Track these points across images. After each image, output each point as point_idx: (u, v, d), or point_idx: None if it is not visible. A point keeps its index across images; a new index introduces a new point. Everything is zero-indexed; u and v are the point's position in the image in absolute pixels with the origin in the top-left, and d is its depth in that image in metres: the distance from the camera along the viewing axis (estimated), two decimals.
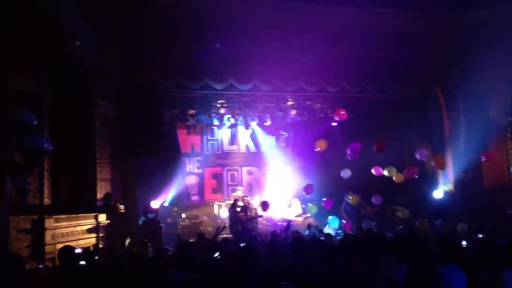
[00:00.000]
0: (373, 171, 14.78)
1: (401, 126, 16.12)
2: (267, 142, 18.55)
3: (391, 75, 14.86)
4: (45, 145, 6.63)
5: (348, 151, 14.65)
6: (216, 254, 8.63)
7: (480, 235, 8.63)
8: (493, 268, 4.96)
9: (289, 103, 16.41)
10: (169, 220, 15.00)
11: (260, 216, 14.56)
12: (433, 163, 14.53)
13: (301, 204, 16.09)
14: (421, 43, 14.52)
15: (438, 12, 14.42)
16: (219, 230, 10.63)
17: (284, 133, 18.73)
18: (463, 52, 14.23)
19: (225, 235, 13.23)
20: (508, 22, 13.21)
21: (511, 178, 14.65)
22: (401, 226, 12.97)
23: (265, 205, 13.89)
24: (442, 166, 14.49)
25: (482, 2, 13.51)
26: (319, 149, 15.13)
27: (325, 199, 15.06)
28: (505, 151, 14.77)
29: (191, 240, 10.06)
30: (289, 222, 12.56)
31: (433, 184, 15.57)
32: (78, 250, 7.91)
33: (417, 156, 14.63)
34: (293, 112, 16.82)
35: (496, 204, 13.49)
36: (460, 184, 14.90)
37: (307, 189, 14.97)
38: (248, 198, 15.29)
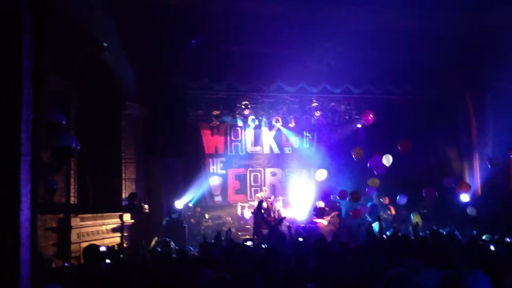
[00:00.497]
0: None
1: (428, 129, 15.92)
2: (290, 144, 18.52)
3: (418, 77, 14.70)
4: (73, 145, 6.73)
5: (373, 166, 14.65)
6: (249, 243, 8.72)
7: (508, 239, 8.49)
8: None
9: (314, 104, 16.36)
10: (192, 220, 15.09)
11: (284, 218, 14.56)
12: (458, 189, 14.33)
13: (325, 206, 15.98)
14: (448, 45, 14.31)
15: (466, 13, 14.19)
16: (227, 234, 10.70)
17: (308, 134, 18.64)
18: (491, 55, 14.00)
19: (247, 236, 13.28)
20: None
21: None
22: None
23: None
24: (467, 191, 14.29)
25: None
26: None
27: (353, 210, 14.97)
28: None
29: (213, 241, 10.11)
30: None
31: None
32: (102, 249, 8.00)
33: (444, 183, 14.46)
34: (317, 113, 16.77)
35: None
36: (487, 186, 14.68)
37: (341, 195, 14.95)
38: (272, 199, 15.30)
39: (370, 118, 15.46)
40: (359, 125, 17.23)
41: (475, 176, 15.09)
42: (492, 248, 7.20)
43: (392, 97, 15.44)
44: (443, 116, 15.99)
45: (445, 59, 14.61)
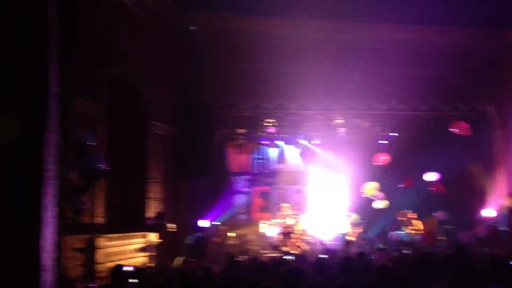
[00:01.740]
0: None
1: (452, 144, 15.76)
2: (315, 161, 18.47)
3: (443, 93, 14.58)
4: (102, 166, 6.84)
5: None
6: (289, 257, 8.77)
7: None
8: None
9: (338, 121, 16.31)
10: (217, 239, 15.07)
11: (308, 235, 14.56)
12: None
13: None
14: (473, 61, 14.23)
15: (491, 29, 14.12)
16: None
17: (332, 151, 18.60)
18: None
19: (273, 254, 13.21)
20: None
21: None
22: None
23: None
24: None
25: None
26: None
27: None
28: None
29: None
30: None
31: (484, 203, 15.18)
32: (129, 269, 8.06)
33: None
34: (342, 130, 16.71)
35: None
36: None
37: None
38: (296, 217, 15.26)
39: (386, 159, 15.64)
40: (384, 142, 17.14)
41: (499, 191, 14.86)
42: None
43: (417, 113, 15.32)
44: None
45: (472, 75, 14.52)
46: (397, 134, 16.59)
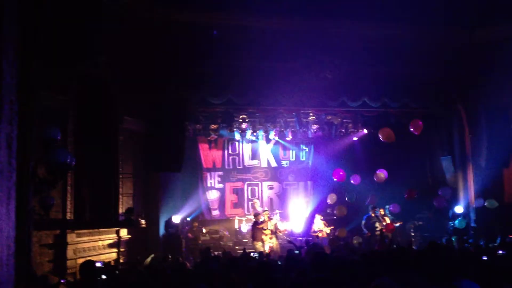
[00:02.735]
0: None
1: (423, 141, 15.99)
2: (287, 157, 18.56)
3: (413, 90, 14.76)
4: (68, 160, 6.72)
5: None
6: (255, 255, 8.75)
7: (501, 252, 8.53)
8: None
9: (310, 118, 16.40)
10: (190, 235, 15.04)
11: (281, 231, 14.60)
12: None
13: (322, 219, 15.97)
14: (443, 58, 14.41)
15: (461, 27, 14.31)
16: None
17: (305, 147, 18.71)
18: (486, 68, 14.12)
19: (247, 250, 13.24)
20: None
21: None
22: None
23: None
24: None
25: (505, 17, 13.39)
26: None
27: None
28: None
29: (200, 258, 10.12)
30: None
31: (454, 198, 15.45)
32: (99, 265, 7.98)
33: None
34: (314, 126, 16.79)
35: None
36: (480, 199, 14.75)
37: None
38: (268, 213, 15.29)
39: (341, 174, 15.90)
40: (355, 138, 17.34)
41: (469, 187, 15.15)
42: (485, 258, 7.23)
43: (388, 110, 15.49)
44: (439, 129, 16.08)
45: (442, 73, 14.72)
46: (366, 131, 16.77)
